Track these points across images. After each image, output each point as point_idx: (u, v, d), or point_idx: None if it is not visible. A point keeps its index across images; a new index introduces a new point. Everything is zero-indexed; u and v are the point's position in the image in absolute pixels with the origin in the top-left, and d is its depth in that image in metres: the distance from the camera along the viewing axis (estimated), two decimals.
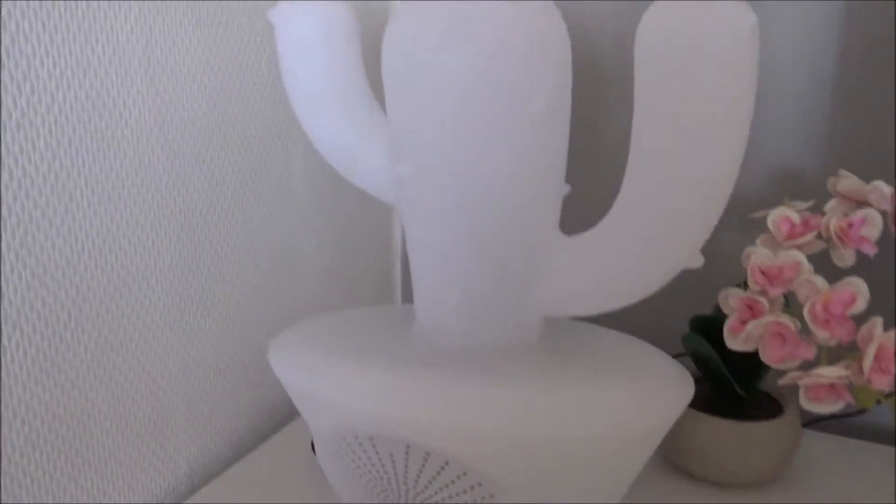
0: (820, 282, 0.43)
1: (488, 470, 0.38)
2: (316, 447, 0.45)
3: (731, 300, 0.47)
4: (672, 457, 0.55)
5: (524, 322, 0.44)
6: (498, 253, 0.41)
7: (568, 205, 0.44)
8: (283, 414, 0.66)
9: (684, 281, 0.43)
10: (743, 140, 0.38)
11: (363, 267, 0.77)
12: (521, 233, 0.41)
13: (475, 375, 0.40)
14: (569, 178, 0.43)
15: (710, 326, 0.51)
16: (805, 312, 0.43)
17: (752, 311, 0.46)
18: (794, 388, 0.44)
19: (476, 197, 0.39)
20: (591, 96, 0.68)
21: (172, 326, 0.53)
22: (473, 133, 0.38)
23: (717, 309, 0.52)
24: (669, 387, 0.43)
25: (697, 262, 0.42)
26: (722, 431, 0.52)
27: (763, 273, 0.46)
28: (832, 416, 0.56)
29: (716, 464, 0.52)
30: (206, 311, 0.56)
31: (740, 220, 0.55)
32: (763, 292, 0.45)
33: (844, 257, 0.48)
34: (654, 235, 0.40)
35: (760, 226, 0.50)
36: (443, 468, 0.38)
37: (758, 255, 0.46)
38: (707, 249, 0.41)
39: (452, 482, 0.39)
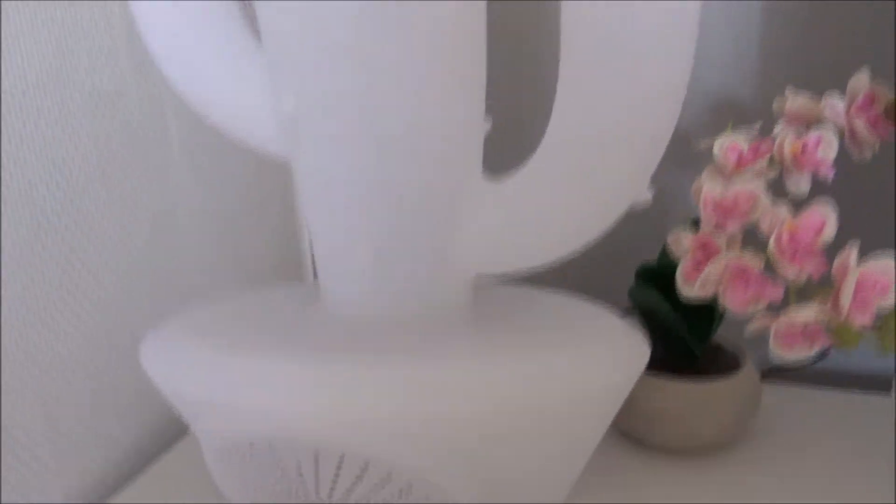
0: (783, 210, 0.38)
1: (422, 468, 0.31)
2: (209, 464, 0.37)
3: (683, 241, 0.40)
4: (622, 425, 0.48)
5: (448, 285, 0.37)
6: (410, 202, 0.34)
7: (490, 144, 0.37)
8: (176, 428, 0.57)
9: (628, 228, 0.38)
10: (690, 50, 0.32)
11: (262, 241, 0.68)
12: (436, 176, 0.34)
13: (392, 354, 0.32)
14: (490, 112, 0.36)
15: (658, 276, 0.45)
16: (770, 245, 0.37)
17: (708, 251, 0.40)
18: (752, 339, 0.38)
19: (378, 134, 0.32)
20: (513, 11, 0.61)
21: (21, 322, 0.43)
22: (365, 53, 0.30)
23: (664, 255, 0.46)
24: (622, 349, 0.37)
25: (645, 197, 0.36)
26: (677, 393, 0.46)
27: (717, 207, 0.40)
28: (790, 368, 0.52)
29: (673, 429, 0.47)
30: (65, 303, 0.46)
31: (682, 158, 0.49)
32: (719, 228, 0.39)
33: (800, 183, 0.43)
34: (591, 168, 0.34)
35: (707, 162, 0.44)
36: (364, 471, 0.31)
37: (709, 186, 0.40)
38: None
39: (378, 486, 0.31)
